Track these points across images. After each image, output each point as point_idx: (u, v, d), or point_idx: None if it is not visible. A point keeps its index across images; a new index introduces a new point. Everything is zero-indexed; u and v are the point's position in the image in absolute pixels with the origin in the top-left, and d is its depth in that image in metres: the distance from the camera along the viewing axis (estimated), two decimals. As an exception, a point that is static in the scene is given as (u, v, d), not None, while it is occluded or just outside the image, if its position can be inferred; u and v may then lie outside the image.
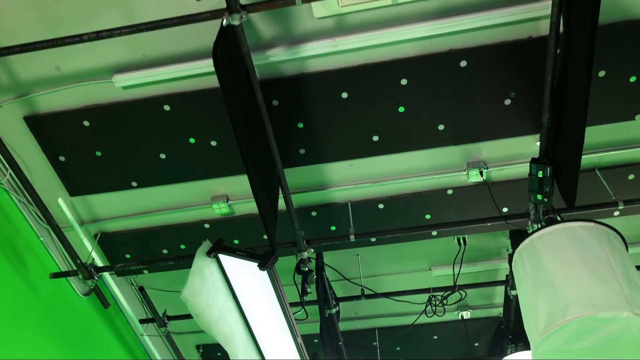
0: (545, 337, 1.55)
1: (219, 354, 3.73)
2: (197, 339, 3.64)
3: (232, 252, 1.94)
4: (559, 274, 1.63)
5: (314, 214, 2.67)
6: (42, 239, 2.65)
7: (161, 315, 3.09)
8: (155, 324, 3.11)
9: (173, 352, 3.34)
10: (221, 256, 1.99)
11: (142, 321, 3.16)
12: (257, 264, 1.85)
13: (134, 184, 2.56)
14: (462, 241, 2.85)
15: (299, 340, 2.11)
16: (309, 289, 2.35)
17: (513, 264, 1.88)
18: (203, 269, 1.92)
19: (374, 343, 3.53)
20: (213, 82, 2.17)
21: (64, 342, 2.67)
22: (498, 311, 3.31)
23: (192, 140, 2.39)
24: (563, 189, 1.96)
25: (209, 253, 1.96)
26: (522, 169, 2.43)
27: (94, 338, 2.92)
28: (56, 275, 2.59)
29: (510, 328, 2.86)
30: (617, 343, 1.51)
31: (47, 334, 2.57)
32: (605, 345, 1.52)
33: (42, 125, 2.36)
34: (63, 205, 2.58)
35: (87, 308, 2.92)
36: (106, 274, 2.92)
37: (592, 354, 1.56)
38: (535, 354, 1.62)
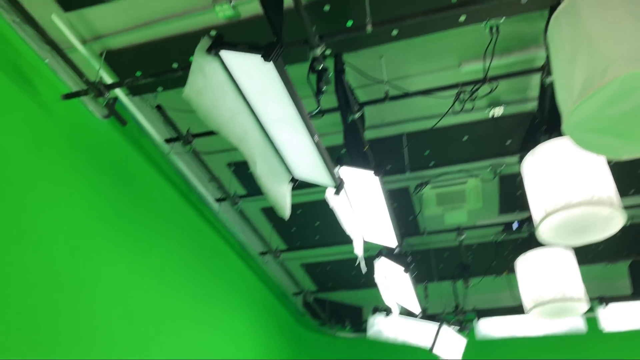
0: (579, 103, 1.39)
1: (249, 170, 3.79)
2: (228, 157, 3.67)
3: (234, 46, 1.78)
4: (602, 32, 1.41)
5: (326, 8, 2.41)
6: (46, 61, 2.53)
7: (185, 134, 3.08)
8: (180, 142, 3.11)
9: (204, 170, 3.39)
10: (223, 54, 1.84)
11: (167, 141, 3.16)
12: (261, 55, 1.70)
13: (127, -11, 2.33)
14: (494, 30, 2.58)
15: (316, 138, 2.02)
16: (324, 89, 2.21)
17: (549, 32, 1.65)
18: (204, 67, 1.78)
19: (402, 150, 3.48)
20: None
21: (90, 165, 2.70)
22: (532, 106, 3.13)
23: None
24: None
25: (209, 50, 1.81)
26: None
27: (119, 159, 2.95)
28: (68, 96, 2.52)
29: (544, 119, 2.71)
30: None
31: (71, 158, 2.58)
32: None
33: None
34: (58, 21, 2.41)
35: (109, 131, 2.90)
36: (123, 96, 2.86)
37: (630, 118, 1.41)
38: (567, 124, 1.48)
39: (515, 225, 3.81)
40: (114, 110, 2.63)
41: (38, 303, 2.21)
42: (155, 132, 3.06)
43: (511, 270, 3.81)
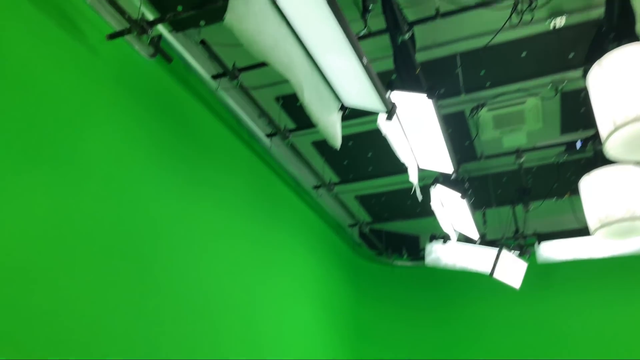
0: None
1: (298, 103, 3.74)
2: (275, 90, 3.62)
3: (273, -34, 1.69)
4: None
5: None
6: (88, 1, 2.52)
7: (231, 69, 3.04)
8: (227, 78, 3.08)
9: (252, 105, 3.37)
10: (263, -24, 1.76)
11: (214, 77, 3.14)
12: (301, -27, 1.61)
13: None
14: None
15: (365, 60, 1.94)
16: (371, 7, 2.09)
17: None
18: (245, -9, 1.71)
19: (456, 71, 3.31)
20: None
21: (140, 105, 2.72)
22: (598, 12, 2.87)
23: None
24: None
25: (248, -27, 1.73)
26: None
27: (168, 98, 2.96)
28: (112, 36, 2.51)
29: (613, 25, 2.47)
30: None
31: (121, 99, 2.60)
32: None
33: None
34: (94, -43, 2.37)
35: (157, 70, 2.90)
36: (166, 34, 2.83)
37: None
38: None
39: (578, 144, 3.61)
40: (159, 48, 2.61)
41: (96, 245, 2.32)
42: (201, 68, 3.04)
43: (574, 192, 3.66)
